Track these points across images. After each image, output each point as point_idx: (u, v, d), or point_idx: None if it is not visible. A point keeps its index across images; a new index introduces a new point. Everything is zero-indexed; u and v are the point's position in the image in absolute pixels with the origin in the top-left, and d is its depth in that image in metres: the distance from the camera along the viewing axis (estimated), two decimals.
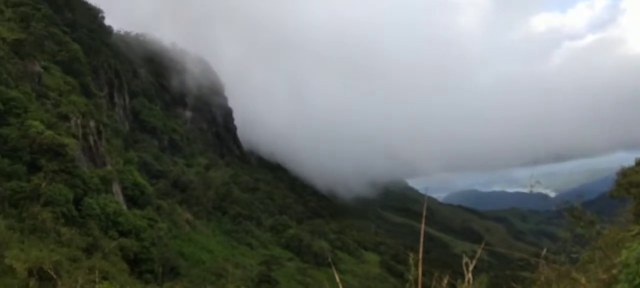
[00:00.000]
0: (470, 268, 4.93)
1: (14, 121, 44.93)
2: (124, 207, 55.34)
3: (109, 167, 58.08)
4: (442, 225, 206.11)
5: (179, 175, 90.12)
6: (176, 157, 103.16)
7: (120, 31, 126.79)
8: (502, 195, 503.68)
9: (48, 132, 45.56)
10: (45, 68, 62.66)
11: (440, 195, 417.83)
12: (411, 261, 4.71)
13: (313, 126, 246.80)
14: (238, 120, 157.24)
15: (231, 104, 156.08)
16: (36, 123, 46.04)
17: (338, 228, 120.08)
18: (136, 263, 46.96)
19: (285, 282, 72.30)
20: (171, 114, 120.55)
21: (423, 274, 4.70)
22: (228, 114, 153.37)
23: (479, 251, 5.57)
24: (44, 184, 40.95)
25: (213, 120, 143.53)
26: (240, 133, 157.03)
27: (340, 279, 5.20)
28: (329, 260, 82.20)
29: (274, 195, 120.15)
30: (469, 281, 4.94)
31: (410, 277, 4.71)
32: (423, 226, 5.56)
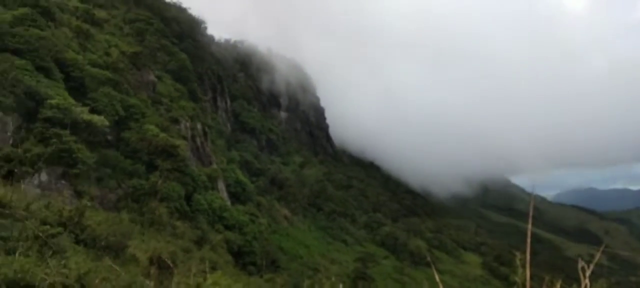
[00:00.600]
0: (588, 273, 4.44)
1: (133, 125, 50.09)
2: (228, 202, 59.21)
3: (214, 166, 62.51)
4: (552, 225, 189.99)
5: (276, 173, 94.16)
6: (273, 155, 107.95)
7: (220, 39, 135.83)
8: (624, 193, 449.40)
9: (162, 135, 50.22)
10: (158, 77, 69.28)
11: (549, 194, 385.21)
12: (518, 262, 4.37)
13: (403, 121, 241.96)
14: (329, 117, 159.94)
15: (322, 101, 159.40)
16: (152, 127, 50.90)
17: (435, 227, 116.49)
18: (240, 256, 50.02)
19: (381, 280, 71.89)
20: (268, 115, 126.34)
21: (531, 277, 4.34)
22: (320, 113, 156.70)
23: (598, 254, 5.00)
24: (160, 182, 45.28)
25: (306, 119, 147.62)
26: (331, 130, 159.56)
27: (440, 279, 5.00)
28: (428, 259, 79.97)
29: (368, 193, 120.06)
30: (586, 287, 4.46)
31: (518, 280, 4.37)
32: (530, 226, 5.11)
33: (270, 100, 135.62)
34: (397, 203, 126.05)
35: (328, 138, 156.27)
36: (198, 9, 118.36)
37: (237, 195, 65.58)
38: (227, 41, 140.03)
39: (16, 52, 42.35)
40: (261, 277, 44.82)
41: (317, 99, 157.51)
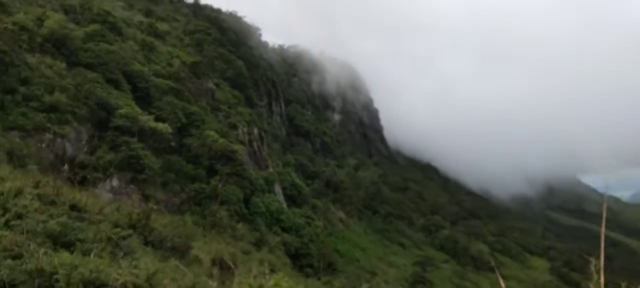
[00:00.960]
0: None
1: (194, 132, 52.28)
2: (285, 205, 60.18)
3: (270, 169, 63.83)
4: (627, 228, 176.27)
5: (331, 176, 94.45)
6: (328, 158, 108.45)
7: (274, 45, 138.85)
8: None
9: (221, 140, 52.01)
10: (216, 84, 71.92)
11: (623, 194, 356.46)
12: (592, 268, 4.07)
13: (460, 119, 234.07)
14: (383, 118, 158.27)
15: (375, 102, 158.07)
16: (212, 133, 52.85)
17: (497, 230, 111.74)
18: (297, 258, 50.65)
19: (441, 285, 70.00)
20: (321, 118, 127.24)
21: (606, 284, 4.03)
22: (374, 114, 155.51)
23: None
24: (220, 186, 46.93)
25: (360, 121, 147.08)
26: (386, 131, 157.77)
27: (505, 285, 4.76)
28: (491, 263, 76.82)
29: (425, 195, 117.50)
30: None
31: (592, 286, 4.07)
32: (603, 229, 4.71)
33: (323, 103, 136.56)
34: (457, 206, 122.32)
35: (382, 139, 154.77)
36: (252, 16, 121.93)
37: (293, 198, 66.48)
38: (280, 46, 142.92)
39: (88, 66, 45.64)
40: (319, 279, 45.13)
41: (371, 100, 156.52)
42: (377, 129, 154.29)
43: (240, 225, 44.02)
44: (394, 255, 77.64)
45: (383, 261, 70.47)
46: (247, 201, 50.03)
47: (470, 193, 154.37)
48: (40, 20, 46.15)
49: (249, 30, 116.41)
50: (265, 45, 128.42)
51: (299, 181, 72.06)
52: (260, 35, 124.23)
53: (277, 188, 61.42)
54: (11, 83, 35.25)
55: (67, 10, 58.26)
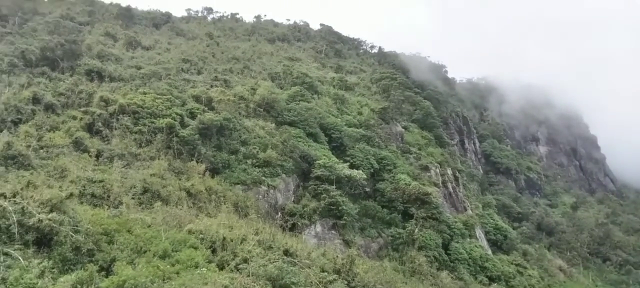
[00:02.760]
0: None
1: (387, 176, 52.54)
2: (489, 251, 54.77)
3: (469, 212, 59.45)
4: None
5: (542, 217, 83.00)
6: (536, 197, 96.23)
7: (462, 80, 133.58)
8: None
9: (414, 183, 50.97)
10: (405, 127, 72.03)
11: None
12: None
13: None
14: (604, 145, 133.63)
15: (591, 127, 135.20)
16: (404, 176, 52.38)
17: None
18: None
19: None
20: (523, 152, 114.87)
21: None
22: (591, 142, 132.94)
23: None
24: (416, 230, 45.51)
25: (573, 152, 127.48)
26: (609, 161, 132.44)
27: None
28: None
29: None
30: None
31: None
32: None
33: (524, 135, 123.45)
34: None
35: (605, 171, 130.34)
36: (436, 55, 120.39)
37: (498, 243, 60.10)
38: (468, 80, 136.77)
39: (291, 124, 51.06)
40: None
41: (585, 127, 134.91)
42: (597, 159, 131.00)
43: (443, 274, 41.37)
44: None
45: None
46: (446, 246, 47.14)
47: None
48: (253, 89, 54.16)
49: (434, 69, 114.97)
50: (452, 81, 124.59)
51: (503, 224, 65.20)
52: (446, 72, 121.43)
53: (479, 233, 56.50)
54: (234, 145, 41.56)
55: (273, 78, 67.28)
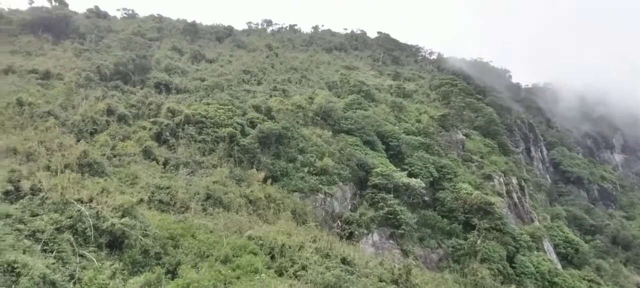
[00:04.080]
0: None
1: (447, 185, 51.04)
2: (559, 265, 51.41)
3: (536, 223, 56.24)
4: None
5: (618, 230, 76.78)
6: (611, 208, 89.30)
7: (528, 85, 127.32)
8: None
9: (476, 192, 49.04)
10: (466, 135, 69.66)
11: None
12: None
13: None
14: None
15: None
16: (465, 185, 50.59)
17: None
18: None
19: None
20: (597, 161, 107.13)
21: None
22: None
23: None
24: (479, 242, 43.68)
25: None
26: None
27: None
28: None
29: None
30: None
31: None
32: None
33: (597, 143, 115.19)
34: None
35: None
36: (499, 60, 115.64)
37: (569, 257, 56.27)
38: (534, 85, 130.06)
39: (348, 132, 51.04)
40: None
41: None
42: None
43: (506, 287, 39.36)
44: None
45: None
46: (511, 259, 44.77)
47: None
48: (310, 99, 54.82)
49: (496, 74, 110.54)
50: (516, 87, 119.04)
51: (574, 237, 60.99)
52: (510, 77, 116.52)
53: (547, 245, 53.23)
54: (292, 153, 42.21)
55: (330, 86, 67.78)
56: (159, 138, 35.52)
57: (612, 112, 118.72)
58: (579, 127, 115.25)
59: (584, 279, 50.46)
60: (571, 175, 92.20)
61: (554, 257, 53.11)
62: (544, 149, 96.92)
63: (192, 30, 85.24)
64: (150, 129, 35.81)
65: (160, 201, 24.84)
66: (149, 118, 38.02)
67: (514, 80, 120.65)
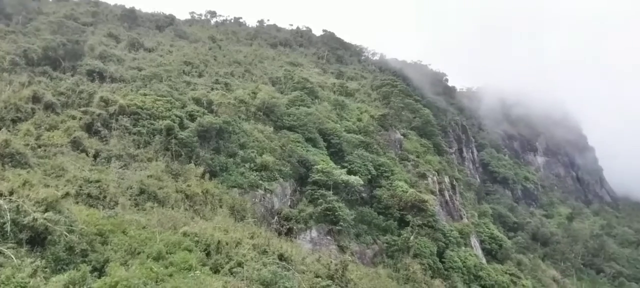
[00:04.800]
0: None
1: (384, 183, 52.61)
2: (484, 260, 54.82)
3: (465, 221, 59.58)
4: None
5: (538, 227, 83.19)
6: (532, 207, 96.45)
7: (462, 88, 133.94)
8: None
9: (411, 190, 51.06)
10: (404, 135, 72.21)
11: None
12: None
13: None
14: (602, 157, 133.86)
15: (589, 139, 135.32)
16: (401, 183, 52.49)
17: None
18: None
19: None
20: (521, 162, 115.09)
21: None
22: (589, 153, 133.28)
23: None
24: (412, 238, 45.62)
25: (571, 163, 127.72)
26: (606, 173, 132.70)
27: None
28: None
29: None
30: None
31: None
32: None
33: (523, 145, 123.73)
34: None
35: (602, 183, 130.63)
36: (437, 64, 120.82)
37: (493, 252, 60.19)
38: (469, 89, 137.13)
39: (291, 128, 51.27)
40: None
41: (584, 138, 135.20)
42: (595, 171, 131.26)
43: (437, 282, 41.46)
44: None
45: None
46: (441, 254, 47.20)
47: None
48: (253, 93, 54.41)
49: (434, 77, 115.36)
50: (452, 90, 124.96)
51: (498, 233, 65.28)
52: (446, 80, 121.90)
53: (474, 241, 56.61)
54: (233, 148, 41.75)
55: (274, 82, 67.58)
56: (89, 129, 33.81)
57: (530, 113, 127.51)
58: (506, 130, 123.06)
59: (506, 273, 54.15)
60: (498, 175, 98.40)
61: (479, 252, 56.56)
62: (475, 150, 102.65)
63: (130, 16, 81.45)
64: (80, 119, 34.01)
65: (89, 195, 23.75)
66: (80, 107, 36.06)
67: (451, 83, 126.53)
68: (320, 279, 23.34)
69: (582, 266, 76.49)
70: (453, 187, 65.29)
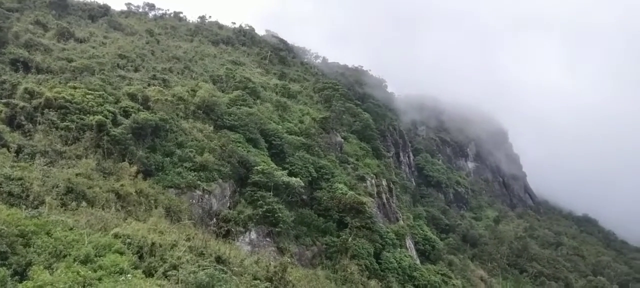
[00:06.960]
0: None
1: (324, 185, 53.22)
2: (418, 261, 57.07)
3: (401, 222, 61.69)
4: None
5: (468, 229, 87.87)
6: (463, 210, 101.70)
7: (400, 95, 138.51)
8: None
9: (350, 193, 52.10)
10: (344, 138, 73.49)
11: None
12: None
13: (626, 163, 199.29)
14: (525, 164, 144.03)
15: (514, 146, 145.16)
16: (341, 185, 53.37)
17: None
18: None
19: None
20: (453, 167, 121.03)
21: None
22: (514, 160, 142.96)
23: None
24: (350, 239, 46.52)
25: (497, 168, 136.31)
26: (529, 178, 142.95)
27: None
28: None
29: (583, 252, 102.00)
30: None
31: None
32: None
33: (455, 151, 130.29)
34: (625, 265, 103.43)
35: (526, 188, 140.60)
36: (377, 69, 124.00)
37: (427, 253, 62.88)
38: (407, 96, 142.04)
39: (231, 128, 50.41)
40: None
41: (510, 145, 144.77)
42: (519, 177, 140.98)
43: (373, 282, 42.58)
44: None
45: None
46: (377, 255, 48.55)
47: None
48: (193, 91, 52.92)
49: (374, 82, 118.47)
50: (391, 96, 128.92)
51: (432, 235, 68.29)
52: (385, 86, 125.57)
53: (409, 243, 58.80)
54: (170, 147, 40.37)
55: (215, 80, 66.06)
56: (11, 122, 31.35)
57: (463, 119, 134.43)
58: (441, 136, 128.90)
59: (438, 273, 56.79)
60: (432, 179, 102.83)
61: (414, 253, 58.84)
62: (411, 155, 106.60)
63: (60, 4, 76.18)
64: (1, 111, 31.45)
65: (10, 193, 22.03)
66: (1, 99, 33.33)
67: (390, 89, 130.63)
68: (258, 281, 23.20)
69: (507, 266, 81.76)
70: (390, 190, 67.37)
